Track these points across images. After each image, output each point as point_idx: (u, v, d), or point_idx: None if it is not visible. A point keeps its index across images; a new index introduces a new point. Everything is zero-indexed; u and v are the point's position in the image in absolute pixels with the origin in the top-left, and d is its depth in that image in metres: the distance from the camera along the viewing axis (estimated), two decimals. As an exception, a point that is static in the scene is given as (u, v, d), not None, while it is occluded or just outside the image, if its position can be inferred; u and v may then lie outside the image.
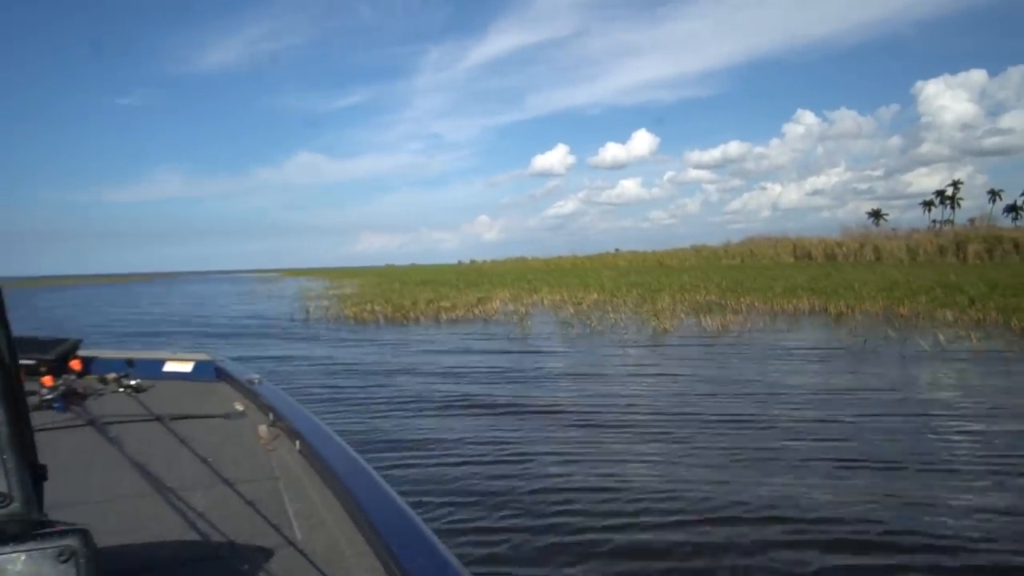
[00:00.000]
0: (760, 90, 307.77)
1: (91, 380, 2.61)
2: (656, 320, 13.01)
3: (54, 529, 0.65)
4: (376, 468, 1.60)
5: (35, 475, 0.71)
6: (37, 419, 1.52)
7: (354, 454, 1.72)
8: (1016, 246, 37.69)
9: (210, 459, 1.79)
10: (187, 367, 2.88)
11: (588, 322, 13.60)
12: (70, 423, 2.10)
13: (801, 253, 57.67)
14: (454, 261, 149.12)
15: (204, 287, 58.01)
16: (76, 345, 2.81)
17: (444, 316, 17.02)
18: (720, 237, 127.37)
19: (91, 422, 2.08)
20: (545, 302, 20.49)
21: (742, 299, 17.81)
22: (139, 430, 2.08)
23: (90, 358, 2.81)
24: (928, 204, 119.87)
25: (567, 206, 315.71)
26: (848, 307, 15.24)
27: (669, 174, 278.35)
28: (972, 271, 26.33)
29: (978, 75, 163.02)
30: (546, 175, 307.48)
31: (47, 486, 0.83)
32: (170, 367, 2.88)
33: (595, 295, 20.94)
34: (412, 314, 17.26)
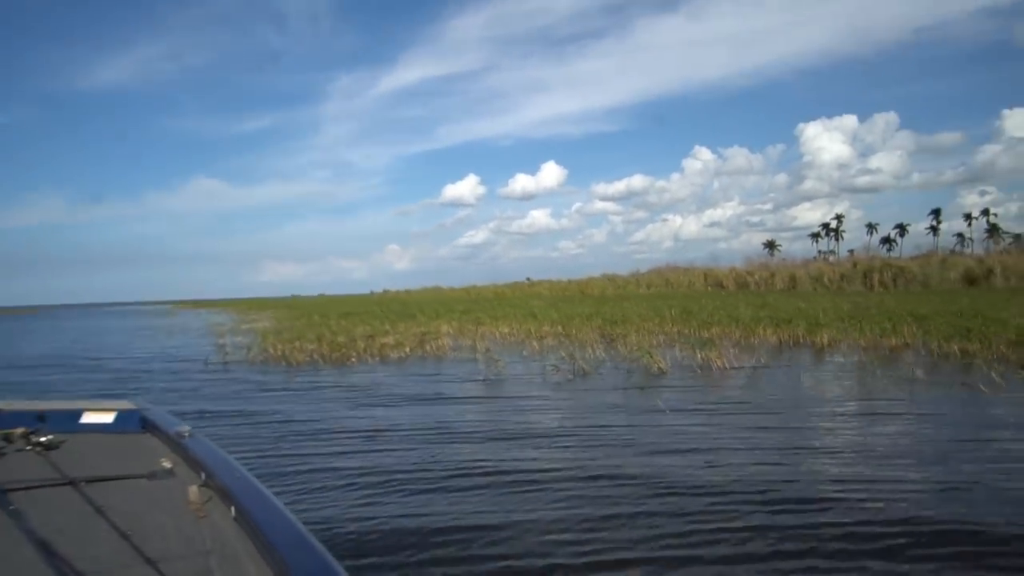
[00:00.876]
0: (660, 127, 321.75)
1: None
2: (649, 357, 11.31)
3: None
4: (325, 543, 1.43)
5: None
6: None
7: (296, 522, 1.54)
8: (913, 276, 39.27)
9: (131, 531, 1.56)
10: (108, 418, 2.55)
11: (569, 361, 11.74)
12: None
13: (712, 282, 58.64)
14: (365, 291, 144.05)
15: (92, 321, 52.11)
16: None
17: (391, 354, 14.71)
18: (626, 267, 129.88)
19: None
20: (496, 335, 18.50)
21: (706, 331, 16.58)
22: (49, 497, 1.82)
23: None
24: (816, 235, 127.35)
25: (478, 236, 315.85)
26: (831, 339, 14.18)
27: (577, 205, 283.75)
28: (894, 298, 26.54)
29: (850, 120, 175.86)
30: (457, 205, 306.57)
31: None
32: (88, 418, 2.56)
33: (546, 327, 19.18)
34: (352, 352, 14.83)
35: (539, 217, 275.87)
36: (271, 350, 15.98)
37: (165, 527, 1.66)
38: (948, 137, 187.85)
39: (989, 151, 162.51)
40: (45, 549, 1.46)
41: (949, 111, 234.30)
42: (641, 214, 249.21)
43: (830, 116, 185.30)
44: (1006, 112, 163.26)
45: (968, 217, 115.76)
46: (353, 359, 14.28)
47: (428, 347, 15.27)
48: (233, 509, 1.69)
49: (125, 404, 2.70)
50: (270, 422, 7.98)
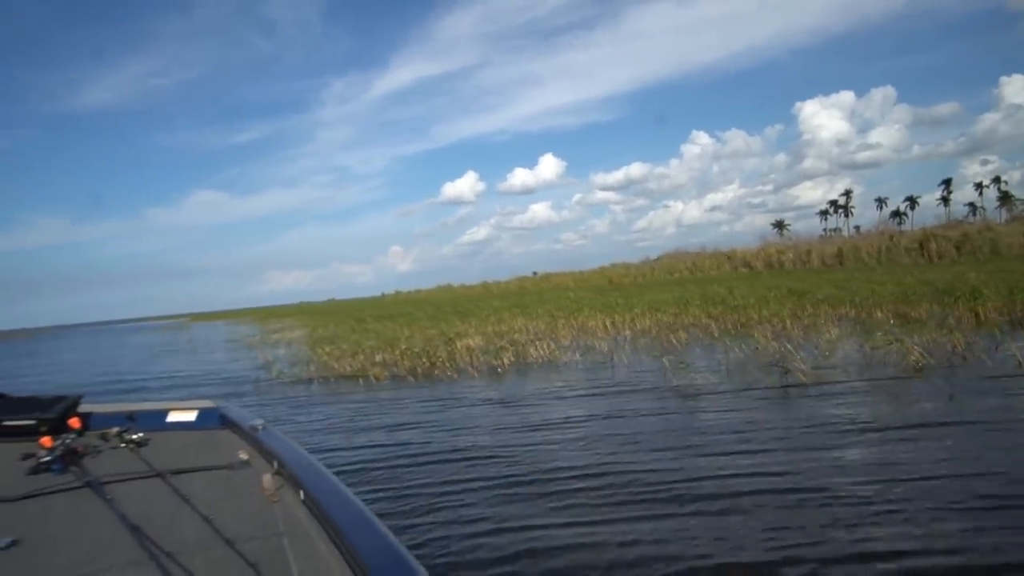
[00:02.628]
0: (657, 113, 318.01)
1: (91, 437, 2.35)
2: (900, 347, 8.44)
3: None
4: (386, 522, 1.47)
5: None
6: (35, 483, 1.87)
7: (360, 504, 1.61)
8: (979, 244, 36.43)
9: (212, 516, 1.64)
10: (191, 416, 2.66)
11: (774, 360, 8.83)
12: (67, 485, 1.90)
13: (740, 263, 55.86)
14: (373, 294, 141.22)
15: (105, 339, 49.16)
16: (76, 402, 2.52)
17: (490, 362, 11.78)
18: (629, 255, 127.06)
19: (89, 483, 1.88)
20: (598, 331, 15.45)
21: (816, 311, 13.78)
22: (139, 488, 1.93)
23: (90, 414, 2.53)
24: (824, 213, 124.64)
25: (480, 232, 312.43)
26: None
27: (577, 196, 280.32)
28: (982, 269, 23.56)
29: (847, 96, 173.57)
30: (457, 203, 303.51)
31: (45, 557, 1.03)
32: (173, 417, 2.66)
33: (647, 318, 16.19)
34: (437, 362, 11.89)
35: (540, 210, 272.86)
36: (333, 363, 13.08)
37: (242, 512, 1.72)
38: (946, 108, 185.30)
39: (989, 120, 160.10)
40: (138, 532, 1.54)
41: (946, 82, 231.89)
42: (642, 202, 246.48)
43: (827, 94, 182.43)
44: (1004, 79, 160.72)
45: (979, 186, 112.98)
46: (447, 371, 11.33)
47: (532, 351, 12.28)
48: (302, 493, 1.75)
49: (206, 403, 2.76)
50: (421, 485, 5.08)
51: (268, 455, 2.11)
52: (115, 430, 2.40)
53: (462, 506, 4.49)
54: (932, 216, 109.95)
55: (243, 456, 2.17)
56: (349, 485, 1.75)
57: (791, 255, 52.77)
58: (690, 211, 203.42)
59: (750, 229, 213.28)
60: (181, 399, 2.91)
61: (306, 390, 10.98)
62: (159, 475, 1.99)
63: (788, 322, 12.87)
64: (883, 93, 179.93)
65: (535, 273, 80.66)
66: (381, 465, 5.78)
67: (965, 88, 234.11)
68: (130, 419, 2.55)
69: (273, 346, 20.74)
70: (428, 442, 6.47)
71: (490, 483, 4.92)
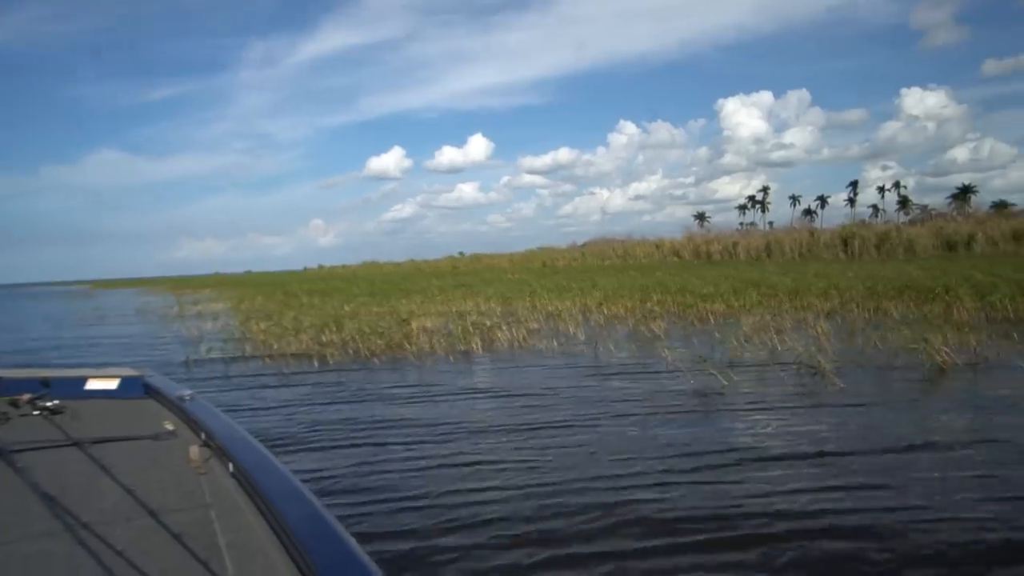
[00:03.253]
0: (587, 100, 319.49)
1: (2, 403, 2.21)
2: (925, 347, 7.77)
3: None
4: (316, 493, 1.46)
5: None
6: None
7: (292, 477, 1.56)
8: (897, 243, 37.86)
9: (134, 487, 1.57)
10: (112, 384, 2.56)
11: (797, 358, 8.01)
12: None
13: (668, 252, 56.53)
14: (294, 267, 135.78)
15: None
16: None
17: (475, 347, 10.38)
18: (554, 240, 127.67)
19: None
20: (557, 314, 14.44)
21: (798, 303, 13.32)
22: (54, 457, 1.83)
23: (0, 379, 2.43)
24: (742, 208, 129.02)
25: (405, 210, 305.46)
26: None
27: (505, 178, 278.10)
28: (902, 267, 24.16)
29: (766, 96, 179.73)
30: (382, 178, 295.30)
31: None
32: (92, 385, 2.56)
33: (589, 304, 15.34)
34: (412, 346, 10.51)
35: (467, 191, 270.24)
36: (272, 342, 11.50)
37: (167, 483, 1.67)
38: (855, 114, 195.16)
39: (890, 128, 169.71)
40: (53, 504, 1.46)
41: (856, 89, 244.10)
42: (568, 187, 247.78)
43: (748, 92, 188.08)
44: (904, 91, 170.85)
45: (881, 189, 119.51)
46: (409, 353, 10.00)
47: (500, 335, 11.08)
48: (231, 465, 1.70)
49: (128, 371, 2.66)
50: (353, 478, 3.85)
51: (195, 426, 2.05)
52: (27, 396, 2.26)
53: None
54: (840, 215, 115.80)
55: (168, 427, 2.09)
56: (287, 465, 1.65)
57: (719, 246, 53.79)
58: (615, 199, 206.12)
59: (671, 220, 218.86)
60: (99, 366, 2.72)
61: (249, 369, 9.44)
62: (76, 444, 1.88)
63: (769, 314, 12.22)
64: (799, 95, 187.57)
65: (461, 253, 79.58)
66: (370, 469, 4.53)
67: (872, 96, 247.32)
68: (45, 385, 2.43)
69: (196, 319, 18.64)
70: (421, 441, 5.24)
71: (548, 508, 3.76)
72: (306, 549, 1.21)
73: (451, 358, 9.67)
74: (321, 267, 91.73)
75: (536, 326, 12.59)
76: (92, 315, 24.46)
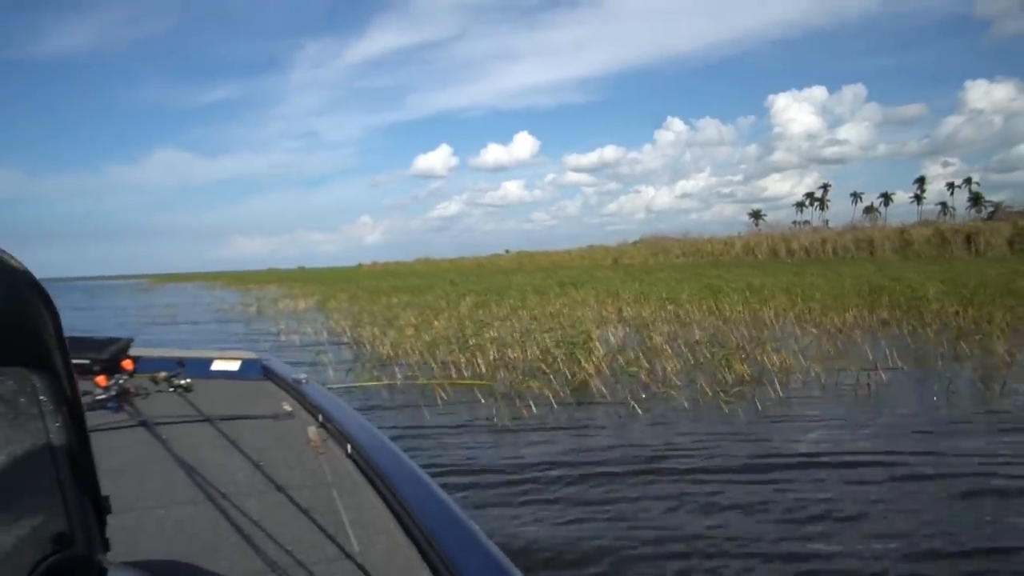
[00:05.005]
0: (633, 98, 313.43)
1: (142, 379, 2.39)
2: None
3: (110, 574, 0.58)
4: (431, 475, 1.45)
5: (99, 511, 0.63)
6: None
7: (407, 460, 1.59)
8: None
9: (262, 463, 1.64)
10: (234, 366, 2.70)
11: None
12: (123, 423, 1.96)
13: (743, 250, 52.47)
14: (343, 264, 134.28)
15: (65, 298, 42.43)
16: (128, 344, 2.55)
17: (745, 375, 6.90)
18: (599, 238, 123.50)
19: (143, 423, 1.94)
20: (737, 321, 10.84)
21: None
22: (190, 430, 1.95)
23: (140, 357, 2.56)
24: (800, 205, 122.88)
25: (451, 207, 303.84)
26: None
27: (550, 176, 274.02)
28: None
29: (819, 91, 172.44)
30: (429, 176, 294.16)
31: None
32: (218, 366, 2.71)
33: (799, 307, 11.75)
34: (665, 372, 7.05)
35: (512, 188, 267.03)
36: (425, 358, 8.25)
37: (290, 461, 1.71)
38: (913, 109, 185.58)
39: (952, 123, 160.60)
40: (193, 473, 1.54)
41: (914, 83, 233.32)
42: (613, 185, 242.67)
43: (800, 88, 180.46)
44: (968, 84, 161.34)
45: (951, 186, 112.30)
46: (664, 386, 6.55)
47: (778, 362, 7.50)
48: (348, 447, 1.74)
49: (249, 354, 2.78)
50: None
51: (312, 408, 2.09)
52: (163, 374, 2.40)
53: None
54: (904, 213, 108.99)
55: (286, 407, 2.14)
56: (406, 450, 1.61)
57: (802, 243, 49.43)
58: (661, 197, 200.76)
59: (719, 218, 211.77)
60: (223, 348, 2.82)
61: (435, 409, 6.07)
62: (208, 420, 1.98)
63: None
64: (854, 90, 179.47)
65: (507, 251, 76.29)
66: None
67: (932, 91, 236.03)
68: (179, 365, 2.54)
69: (285, 319, 15.60)
70: None
71: None
72: (428, 530, 1.22)
73: (725, 401, 6.16)
74: (375, 263, 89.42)
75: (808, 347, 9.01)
76: (163, 313, 21.57)
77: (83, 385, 1.86)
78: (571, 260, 54.00)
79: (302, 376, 2.38)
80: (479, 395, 6.59)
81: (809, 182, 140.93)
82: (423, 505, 1.32)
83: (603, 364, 7.38)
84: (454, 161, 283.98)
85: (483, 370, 7.63)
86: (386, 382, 7.37)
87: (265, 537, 1.26)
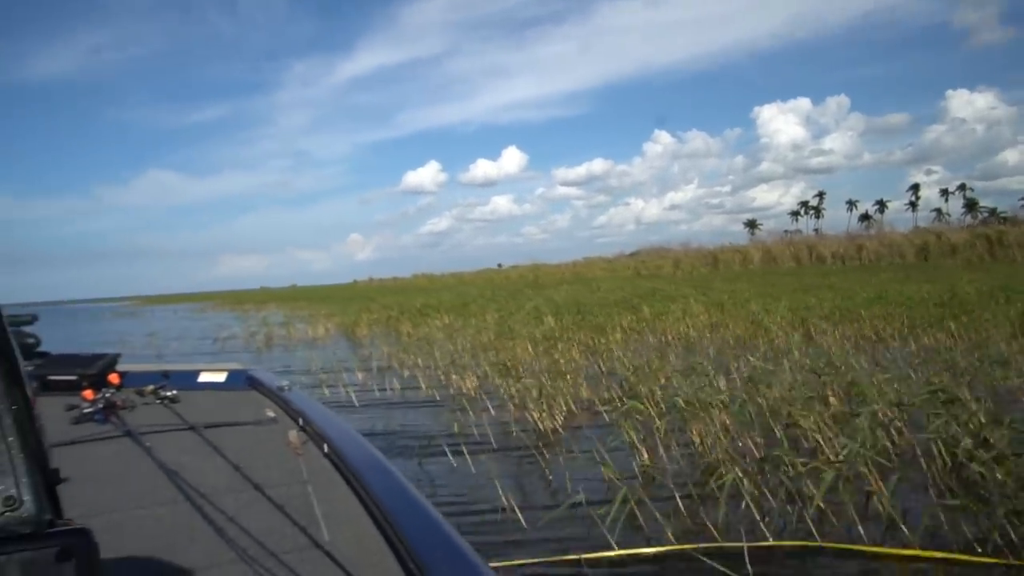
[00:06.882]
0: (620, 111, 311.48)
1: (129, 392, 2.40)
2: None
3: (55, 530, 0.65)
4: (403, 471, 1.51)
5: (47, 479, 0.68)
6: (79, 431, 1.95)
7: (380, 456, 1.67)
8: None
9: (241, 465, 1.69)
10: (220, 377, 2.68)
11: None
12: (109, 434, 2.00)
13: (765, 258, 49.01)
14: (337, 281, 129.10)
15: (47, 325, 37.49)
16: (115, 360, 2.58)
17: None
18: (590, 251, 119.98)
19: (128, 433, 1.96)
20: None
21: None
22: (174, 439, 1.97)
23: (127, 372, 2.59)
24: (795, 214, 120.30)
25: (441, 223, 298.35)
26: None
27: (539, 190, 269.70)
28: None
29: (804, 102, 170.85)
30: (419, 192, 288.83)
31: (88, 494, 1.07)
32: (204, 378, 2.70)
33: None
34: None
35: (502, 203, 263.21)
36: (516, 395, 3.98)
37: (269, 462, 1.75)
38: (897, 118, 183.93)
39: (935, 131, 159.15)
40: (175, 477, 1.59)
41: (897, 93, 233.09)
42: (603, 198, 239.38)
43: (784, 99, 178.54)
44: (950, 93, 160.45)
45: (944, 192, 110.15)
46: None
47: None
48: (325, 447, 1.79)
49: (234, 365, 2.77)
50: None
51: (293, 412, 2.13)
52: (150, 387, 2.41)
53: None
54: (898, 220, 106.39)
55: (270, 414, 2.16)
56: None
57: (831, 250, 45.87)
58: (650, 209, 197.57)
59: (708, 228, 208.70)
60: (210, 362, 2.83)
61: None
62: (192, 428, 2.02)
63: None
64: (838, 101, 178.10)
65: (500, 265, 72.38)
66: None
67: (915, 100, 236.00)
68: (164, 377, 2.55)
69: (305, 349, 11.15)
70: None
71: None
72: (394, 520, 1.28)
73: None
74: (372, 279, 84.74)
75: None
76: (144, 345, 16.44)
77: (71, 399, 2.15)
78: (587, 271, 49.89)
79: (285, 384, 2.39)
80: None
81: (796, 192, 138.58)
82: (391, 497, 1.38)
83: None
84: (443, 177, 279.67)
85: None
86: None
87: (239, 531, 1.31)
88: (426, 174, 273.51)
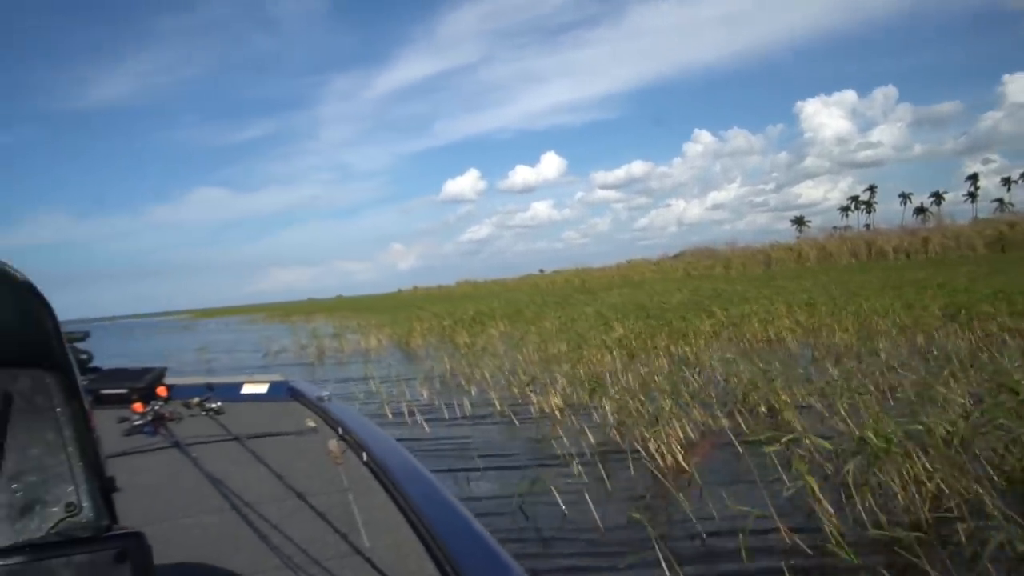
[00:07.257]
0: (659, 112, 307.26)
1: (176, 405, 2.45)
2: None
3: (112, 534, 0.68)
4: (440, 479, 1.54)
5: (104, 487, 0.71)
6: (129, 443, 2.03)
7: (418, 464, 1.71)
8: None
9: (283, 474, 1.74)
10: (262, 388, 2.73)
11: None
12: (158, 446, 2.06)
13: (816, 257, 46.95)
14: (381, 291, 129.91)
15: (100, 340, 38.31)
16: (162, 373, 2.63)
17: None
18: (632, 253, 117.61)
19: (176, 444, 2.03)
20: None
21: None
22: (219, 449, 2.02)
23: (174, 385, 2.63)
24: (845, 209, 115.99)
25: (482, 230, 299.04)
26: None
27: (578, 195, 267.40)
28: None
29: (849, 95, 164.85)
30: (459, 200, 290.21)
31: (139, 504, 1.13)
32: (247, 389, 2.74)
33: None
34: None
35: (541, 209, 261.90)
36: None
37: (311, 472, 1.79)
38: (947, 107, 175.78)
39: (991, 118, 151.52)
40: (220, 485, 1.64)
41: (947, 81, 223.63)
42: (643, 200, 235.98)
43: (829, 93, 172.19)
44: (1007, 77, 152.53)
45: (1007, 181, 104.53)
46: None
47: None
48: (364, 455, 1.83)
49: (276, 377, 2.82)
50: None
51: (333, 422, 2.14)
52: (196, 400, 2.46)
53: None
54: (956, 212, 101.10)
55: (311, 424, 2.19)
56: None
57: (893, 243, 43.58)
58: (691, 210, 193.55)
59: (752, 228, 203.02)
60: (252, 374, 2.89)
61: None
62: (236, 438, 2.05)
63: None
64: (885, 92, 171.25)
65: (541, 271, 71.27)
66: None
67: (967, 87, 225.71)
68: (209, 389, 2.60)
69: (367, 366, 10.42)
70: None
71: None
72: (433, 527, 1.31)
73: None
74: (416, 288, 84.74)
75: None
76: (197, 359, 16.17)
77: (121, 412, 2.22)
78: (633, 274, 48.54)
79: (325, 394, 2.42)
80: None
81: (844, 187, 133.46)
82: (430, 505, 1.42)
83: None
84: (483, 184, 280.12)
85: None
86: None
87: (283, 538, 1.34)
88: (466, 182, 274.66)
